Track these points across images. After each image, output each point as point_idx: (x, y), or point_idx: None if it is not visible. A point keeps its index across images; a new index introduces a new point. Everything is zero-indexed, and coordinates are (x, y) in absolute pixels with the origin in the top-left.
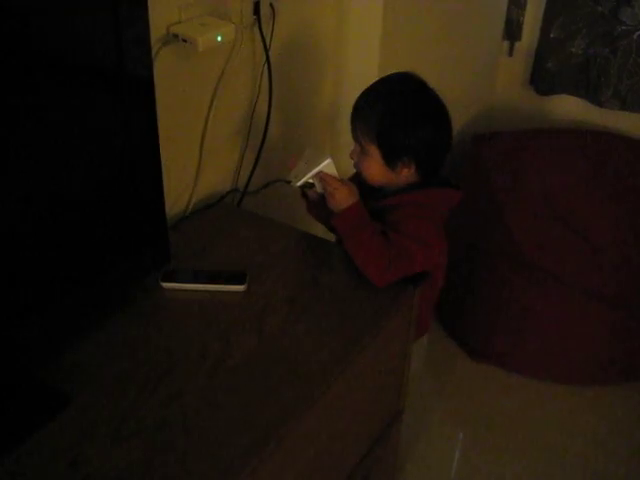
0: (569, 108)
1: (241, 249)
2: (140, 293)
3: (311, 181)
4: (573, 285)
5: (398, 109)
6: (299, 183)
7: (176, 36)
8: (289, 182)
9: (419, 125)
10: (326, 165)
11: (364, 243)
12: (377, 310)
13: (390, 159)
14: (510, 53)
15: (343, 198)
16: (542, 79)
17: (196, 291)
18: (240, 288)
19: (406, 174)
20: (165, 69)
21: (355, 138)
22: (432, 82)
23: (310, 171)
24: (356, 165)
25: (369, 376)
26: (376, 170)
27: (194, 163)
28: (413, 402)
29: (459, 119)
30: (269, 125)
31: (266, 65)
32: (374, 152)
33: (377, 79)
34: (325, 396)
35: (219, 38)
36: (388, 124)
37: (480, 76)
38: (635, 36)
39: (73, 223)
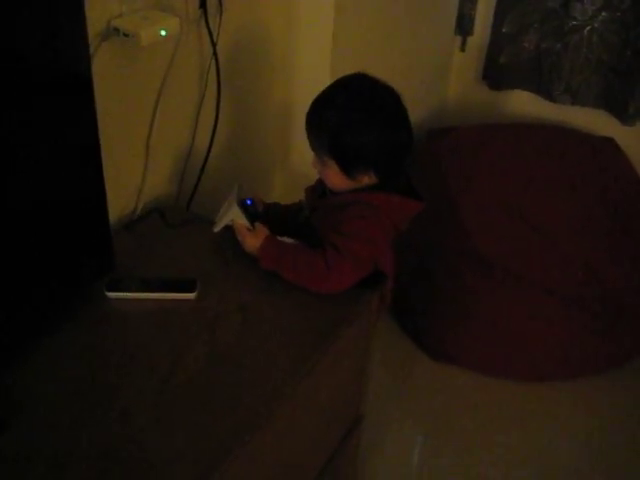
0: (522, 103)
1: (192, 254)
2: (84, 304)
3: (230, 224)
4: (531, 282)
5: (349, 116)
6: (217, 230)
7: (117, 30)
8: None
9: (373, 130)
10: (233, 213)
11: (292, 268)
12: (335, 316)
13: (347, 169)
14: (462, 48)
15: (252, 244)
16: (494, 74)
17: (144, 300)
18: (190, 296)
19: (367, 181)
20: (106, 65)
21: (312, 150)
22: (385, 80)
23: (222, 220)
24: (319, 174)
25: (328, 385)
26: (337, 180)
27: (141, 165)
28: (372, 405)
29: (413, 115)
30: (218, 124)
31: (213, 61)
32: (331, 163)
33: (328, 85)
34: (282, 408)
35: (163, 32)
36: (340, 134)
37: (433, 72)
38: (585, 31)
39: (7, 231)
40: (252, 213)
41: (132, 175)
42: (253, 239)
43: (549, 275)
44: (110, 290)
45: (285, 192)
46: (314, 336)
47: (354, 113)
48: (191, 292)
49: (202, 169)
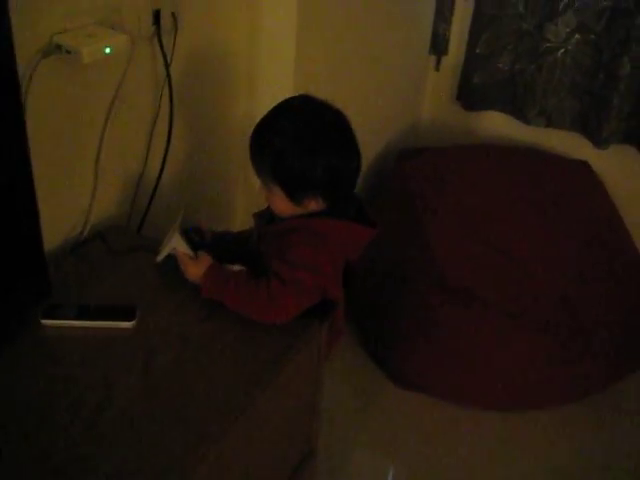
0: (496, 124)
1: (136, 279)
2: (17, 331)
3: (172, 253)
4: (499, 309)
5: (292, 140)
6: (159, 259)
7: (59, 47)
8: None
9: (318, 154)
10: (175, 242)
11: (233, 297)
12: (280, 346)
13: (293, 195)
14: (437, 68)
15: (194, 272)
16: (469, 94)
17: (80, 328)
18: (128, 325)
19: (314, 207)
20: (47, 83)
21: (257, 175)
22: (354, 99)
23: (164, 249)
24: (266, 200)
25: (272, 418)
26: (283, 206)
27: (89, 186)
28: (333, 431)
29: (384, 135)
30: (170, 146)
31: (167, 81)
32: (276, 189)
33: (270, 109)
34: (218, 444)
35: (107, 50)
36: (283, 159)
37: (406, 91)
38: (559, 53)
39: None
40: (195, 241)
41: (79, 197)
42: (195, 268)
43: (518, 302)
44: (46, 317)
45: (248, 217)
46: (257, 367)
47: (298, 137)
48: (129, 320)
49: (154, 191)
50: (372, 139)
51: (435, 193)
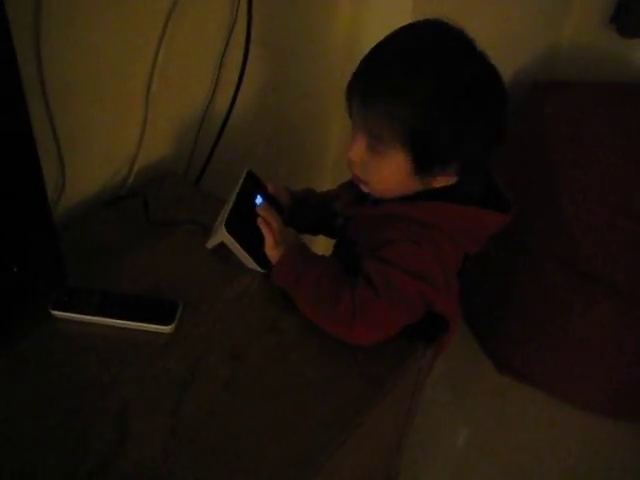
0: None
1: (181, 260)
2: (19, 327)
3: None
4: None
5: (447, 92)
6: (210, 246)
7: None
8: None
9: (476, 116)
10: (222, 235)
11: (308, 297)
12: (367, 381)
13: (425, 165)
14: None
15: (270, 251)
16: (629, 16)
17: (100, 326)
18: (164, 329)
19: (442, 181)
20: None
21: (361, 126)
22: (483, 12)
23: (215, 235)
24: (356, 167)
25: (347, 464)
26: (394, 179)
27: (136, 117)
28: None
29: (514, 60)
30: (244, 75)
31: None
32: (396, 154)
33: (398, 29)
34: None
35: None
36: (432, 117)
37: (547, 7)
38: None
39: None
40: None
41: (123, 131)
42: (272, 244)
43: None
44: (58, 308)
45: (341, 177)
46: (333, 412)
47: (458, 84)
48: (167, 323)
49: (221, 130)
50: (498, 64)
51: (578, 144)
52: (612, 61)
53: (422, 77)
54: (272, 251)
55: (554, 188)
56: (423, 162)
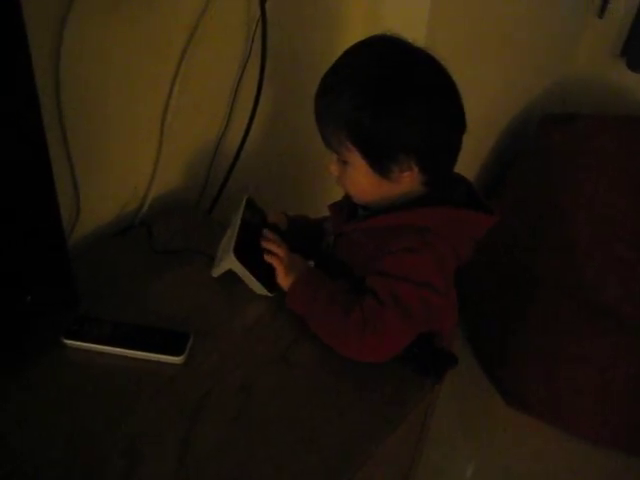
0: None
1: (191, 290)
2: (29, 353)
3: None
4: None
5: (375, 87)
6: (215, 274)
7: None
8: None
9: (411, 103)
10: (230, 262)
11: (320, 318)
12: (373, 416)
13: (379, 162)
14: (601, 14)
15: (282, 278)
16: (638, 50)
17: (111, 356)
18: (175, 360)
19: (408, 180)
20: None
21: (327, 144)
22: (494, 43)
23: (220, 264)
24: (338, 182)
25: None
26: (364, 183)
27: (150, 149)
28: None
29: (524, 93)
30: (258, 105)
31: (260, 19)
32: (354, 158)
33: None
34: None
35: None
36: (364, 109)
37: (558, 38)
38: None
39: None
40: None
41: (137, 162)
42: (283, 272)
43: None
44: (69, 336)
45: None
46: (340, 441)
47: (388, 78)
48: (178, 354)
49: (234, 161)
50: (507, 98)
51: (587, 175)
52: (622, 94)
53: (356, 76)
54: (284, 281)
55: (563, 220)
56: (373, 158)
